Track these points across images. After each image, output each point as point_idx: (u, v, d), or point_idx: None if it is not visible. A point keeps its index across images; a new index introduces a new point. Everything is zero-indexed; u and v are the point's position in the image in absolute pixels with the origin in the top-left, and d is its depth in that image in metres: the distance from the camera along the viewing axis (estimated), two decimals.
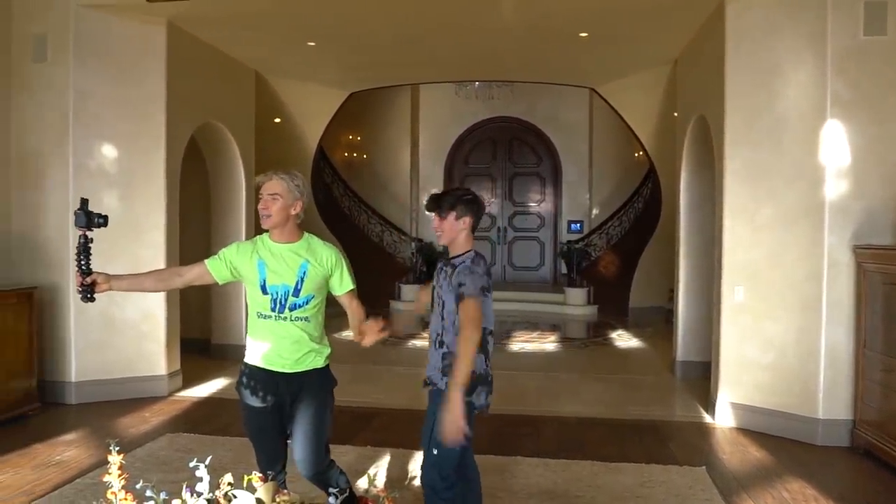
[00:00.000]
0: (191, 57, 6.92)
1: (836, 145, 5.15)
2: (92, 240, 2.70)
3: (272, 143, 9.68)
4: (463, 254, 2.99)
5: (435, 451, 2.91)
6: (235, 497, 1.69)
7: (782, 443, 5.17)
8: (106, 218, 2.71)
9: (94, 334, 6.24)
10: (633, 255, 12.35)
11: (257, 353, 2.98)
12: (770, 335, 5.46)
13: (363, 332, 3.06)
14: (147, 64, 6.40)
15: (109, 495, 1.70)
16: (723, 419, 5.69)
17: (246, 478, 1.75)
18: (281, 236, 2.97)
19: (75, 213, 2.67)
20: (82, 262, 2.67)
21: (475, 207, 3.00)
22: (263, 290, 2.92)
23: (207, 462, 1.80)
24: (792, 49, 5.31)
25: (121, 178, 6.35)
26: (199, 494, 1.69)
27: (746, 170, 5.56)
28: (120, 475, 1.70)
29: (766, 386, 5.47)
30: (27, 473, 4.43)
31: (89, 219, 2.67)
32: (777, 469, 4.67)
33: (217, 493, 1.69)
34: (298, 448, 2.99)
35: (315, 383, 3.01)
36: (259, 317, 2.96)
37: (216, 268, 2.99)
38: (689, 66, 7.23)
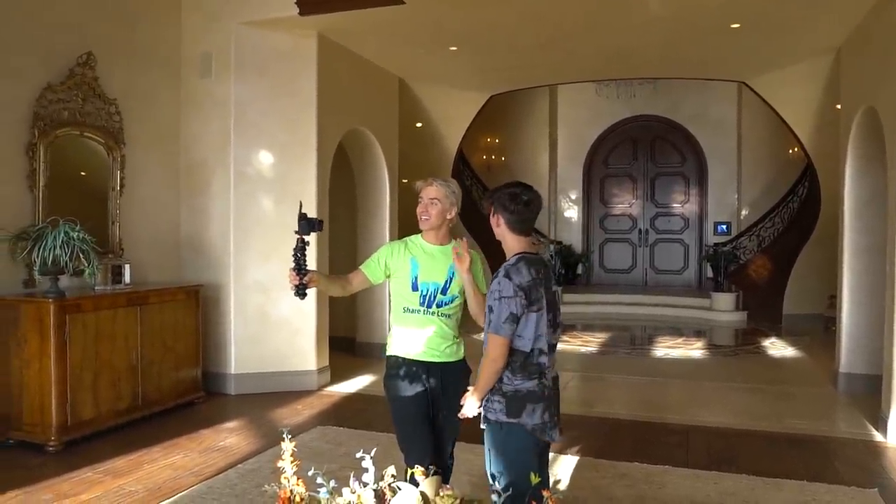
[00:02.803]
0: (339, 66, 7.22)
1: None
2: (308, 242, 2.94)
3: (414, 147, 9.91)
4: (508, 260, 2.69)
5: (497, 485, 2.53)
6: (400, 489, 1.73)
7: None
8: (322, 222, 2.97)
9: (251, 330, 6.65)
10: (788, 258, 11.57)
11: (405, 344, 3.11)
12: None
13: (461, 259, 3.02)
14: (300, 75, 6.74)
15: (283, 480, 1.80)
16: None
17: (409, 471, 1.78)
18: (435, 238, 3.15)
19: (300, 221, 2.89)
20: (301, 263, 2.90)
21: (507, 204, 2.65)
22: (414, 286, 3.08)
23: (373, 454, 1.86)
24: None
25: (276, 182, 6.73)
26: (366, 484, 1.75)
27: None
28: (292, 461, 1.80)
29: None
30: (195, 456, 4.80)
31: (310, 225, 2.91)
32: None
33: (381, 484, 1.74)
34: (444, 433, 3.11)
35: (459, 375, 3.14)
36: (406, 311, 3.12)
37: (373, 271, 3.19)
38: (855, 53, 6.68)
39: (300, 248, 2.90)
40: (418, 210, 3.13)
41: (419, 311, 3.08)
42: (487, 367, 2.60)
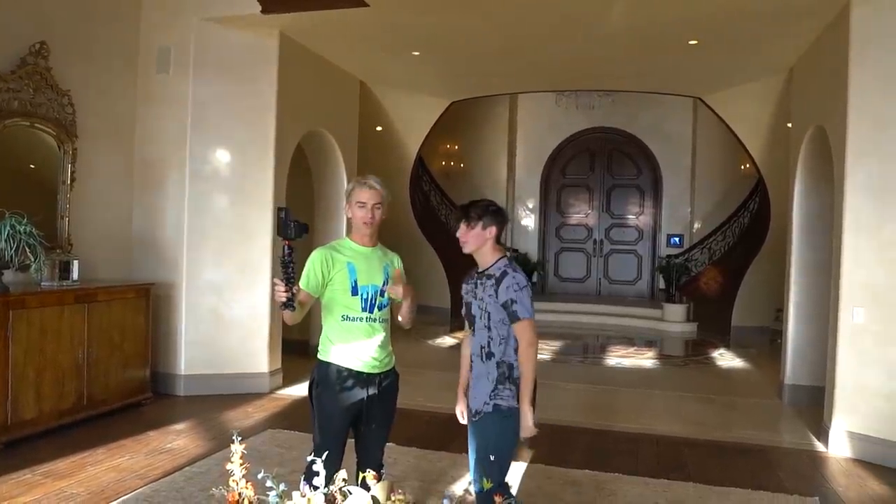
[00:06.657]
0: (300, 67, 7.16)
1: None
2: (294, 249, 2.71)
3: (374, 151, 9.87)
4: (495, 262, 3.01)
5: (492, 458, 2.90)
6: (351, 493, 1.71)
7: None
8: (306, 226, 2.78)
9: (202, 331, 6.53)
10: (737, 271, 11.85)
11: (347, 354, 2.98)
12: (893, 361, 5.10)
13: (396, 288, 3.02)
14: (260, 74, 6.66)
15: (231, 483, 1.76)
16: (837, 448, 5.35)
17: (360, 475, 1.77)
18: (370, 240, 3.09)
19: (287, 224, 2.68)
20: (291, 273, 2.69)
21: (500, 218, 3.05)
22: (354, 290, 2.99)
23: (324, 457, 1.84)
24: None
25: (232, 182, 6.64)
26: (316, 488, 1.73)
27: (871, 184, 5.21)
28: (241, 464, 1.77)
29: (888, 415, 5.09)
30: (141, 459, 4.68)
31: (299, 228, 2.72)
32: None
33: (332, 488, 1.72)
34: (376, 442, 3.09)
35: (394, 383, 3.15)
36: (345, 320, 3.00)
37: (313, 286, 2.98)
38: (806, 74, 6.89)
39: (289, 256, 2.67)
40: (362, 215, 3.00)
41: (361, 318, 2.99)
42: (532, 353, 2.88)
